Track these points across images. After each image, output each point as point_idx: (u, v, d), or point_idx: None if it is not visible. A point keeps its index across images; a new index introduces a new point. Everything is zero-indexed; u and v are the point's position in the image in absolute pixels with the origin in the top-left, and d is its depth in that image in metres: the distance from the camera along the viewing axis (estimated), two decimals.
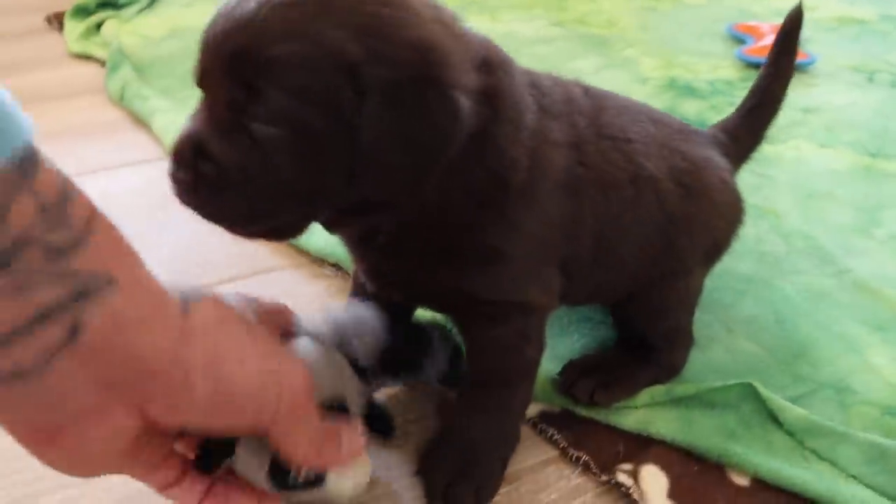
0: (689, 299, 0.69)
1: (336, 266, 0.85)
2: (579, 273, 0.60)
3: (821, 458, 0.63)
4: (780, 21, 1.57)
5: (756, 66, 1.37)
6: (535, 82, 0.55)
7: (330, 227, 0.53)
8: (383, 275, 0.58)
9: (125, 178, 1.06)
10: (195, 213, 0.47)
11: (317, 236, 0.87)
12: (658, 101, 1.25)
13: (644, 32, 1.56)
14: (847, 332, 0.76)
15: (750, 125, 0.76)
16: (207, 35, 0.45)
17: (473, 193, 0.51)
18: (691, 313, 0.70)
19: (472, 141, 0.48)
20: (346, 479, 0.51)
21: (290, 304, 0.80)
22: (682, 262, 0.66)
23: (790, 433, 0.64)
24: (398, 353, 0.60)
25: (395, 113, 0.43)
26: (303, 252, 0.88)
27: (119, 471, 0.42)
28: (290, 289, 0.84)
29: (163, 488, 0.46)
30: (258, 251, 0.89)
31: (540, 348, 0.61)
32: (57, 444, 0.36)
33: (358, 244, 0.57)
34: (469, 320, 0.59)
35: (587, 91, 0.61)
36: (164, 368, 0.36)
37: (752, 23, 1.52)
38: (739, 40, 1.48)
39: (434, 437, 0.64)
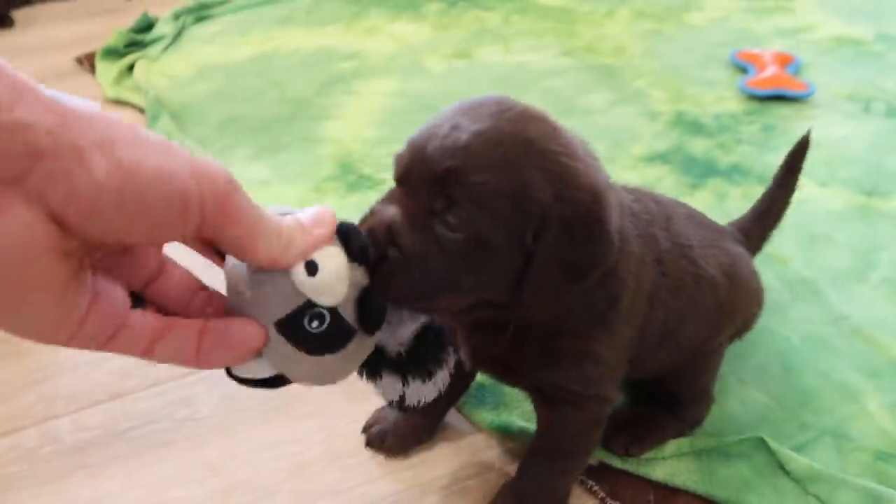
0: (715, 367, 0.81)
1: None
2: (644, 360, 0.71)
3: (822, 502, 0.73)
4: (780, 44, 1.66)
5: (758, 98, 1.46)
6: (632, 211, 0.65)
7: (465, 313, 0.60)
8: (484, 358, 0.67)
9: None
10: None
11: None
12: (667, 140, 1.34)
13: (651, 60, 1.64)
14: (845, 380, 0.86)
15: (759, 228, 0.90)
16: (417, 148, 0.54)
17: (592, 309, 0.61)
18: (715, 376, 0.82)
19: (601, 275, 0.58)
20: (333, 261, 0.46)
21: None
22: (720, 339, 0.78)
23: (796, 480, 0.75)
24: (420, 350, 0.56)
25: (568, 243, 0.53)
26: None
27: (57, 314, 0.37)
28: None
29: (146, 349, 0.42)
30: None
31: (602, 428, 0.71)
32: None
33: (473, 331, 0.65)
34: (551, 404, 0.68)
35: (655, 199, 0.71)
36: (51, 148, 0.33)
37: (754, 51, 1.60)
38: (742, 69, 1.56)
39: (497, 494, 0.74)
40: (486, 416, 0.82)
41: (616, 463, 0.77)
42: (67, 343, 0.39)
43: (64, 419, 0.85)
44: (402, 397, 0.56)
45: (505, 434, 0.81)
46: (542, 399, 0.69)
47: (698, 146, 1.32)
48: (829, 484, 0.74)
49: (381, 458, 0.80)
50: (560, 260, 0.54)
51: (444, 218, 0.52)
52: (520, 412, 0.82)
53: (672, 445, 0.78)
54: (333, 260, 0.46)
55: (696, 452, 0.77)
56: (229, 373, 0.48)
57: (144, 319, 0.42)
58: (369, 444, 0.81)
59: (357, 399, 0.86)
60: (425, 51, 1.69)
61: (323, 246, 0.46)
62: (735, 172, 1.24)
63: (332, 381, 0.50)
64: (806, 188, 1.20)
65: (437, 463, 0.79)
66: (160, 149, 0.37)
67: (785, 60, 1.55)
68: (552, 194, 0.53)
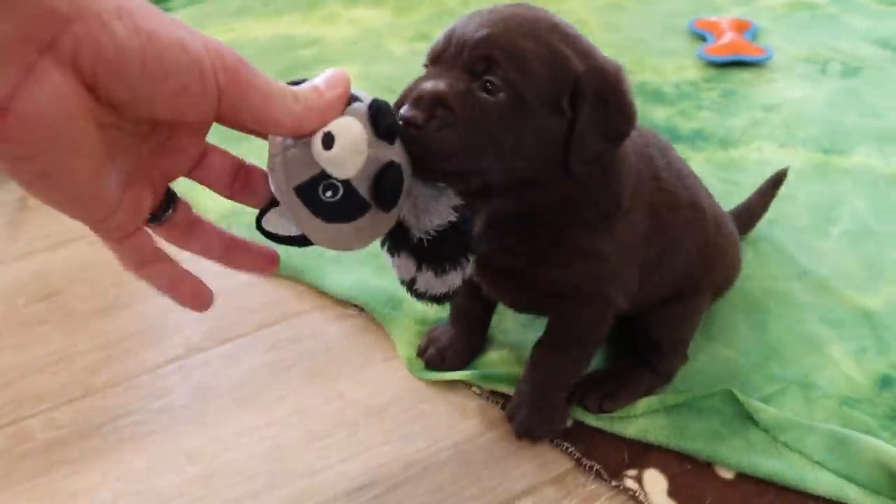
0: (697, 316, 0.84)
1: (358, 307, 0.95)
2: (642, 276, 0.74)
3: (791, 449, 0.75)
4: (737, 11, 1.68)
5: (716, 64, 1.47)
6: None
7: (490, 196, 0.63)
8: (491, 266, 0.70)
9: None
10: (412, 150, 0.53)
11: (339, 280, 0.97)
12: None
13: (611, 33, 1.64)
14: (810, 331, 0.88)
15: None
16: (452, 29, 0.59)
17: (597, 205, 0.66)
18: (694, 330, 0.84)
19: (604, 172, 0.65)
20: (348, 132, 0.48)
21: (318, 343, 0.92)
22: (704, 282, 0.82)
23: (765, 430, 0.76)
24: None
25: (604, 110, 0.59)
26: (325, 295, 0.98)
27: (101, 191, 0.41)
28: (318, 328, 0.94)
29: (179, 238, 0.50)
30: (285, 297, 0.99)
31: (608, 325, 0.75)
32: (8, 118, 0.35)
33: (489, 229, 0.68)
34: (559, 303, 0.73)
35: (655, 133, 0.78)
36: (75, 13, 0.36)
37: (712, 18, 1.61)
38: (700, 37, 1.57)
39: (515, 391, 0.80)
40: (464, 373, 0.84)
41: (590, 421, 0.78)
42: (101, 223, 0.43)
43: (35, 418, 0.84)
44: (414, 280, 0.58)
45: (489, 382, 0.83)
46: (550, 303, 0.74)
47: (660, 114, 1.33)
48: (797, 431, 0.76)
49: (358, 435, 0.80)
50: (599, 126, 0.59)
51: (486, 79, 0.56)
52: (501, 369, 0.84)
53: (643, 403, 0.79)
54: (350, 134, 0.48)
55: (668, 409, 0.79)
56: (260, 227, 0.52)
57: (147, 240, 0.48)
58: (429, 365, 0.86)
59: (331, 379, 0.87)
60: (386, 35, 1.69)
61: (343, 117, 0.48)
62: (697, 138, 1.26)
63: (349, 248, 0.52)
64: (766, 150, 1.23)
65: (415, 437, 0.80)
66: (173, 22, 0.39)
67: (742, 27, 1.57)
68: (583, 67, 0.58)
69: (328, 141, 0.47)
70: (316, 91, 0.47)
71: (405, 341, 0.89)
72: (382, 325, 0.92)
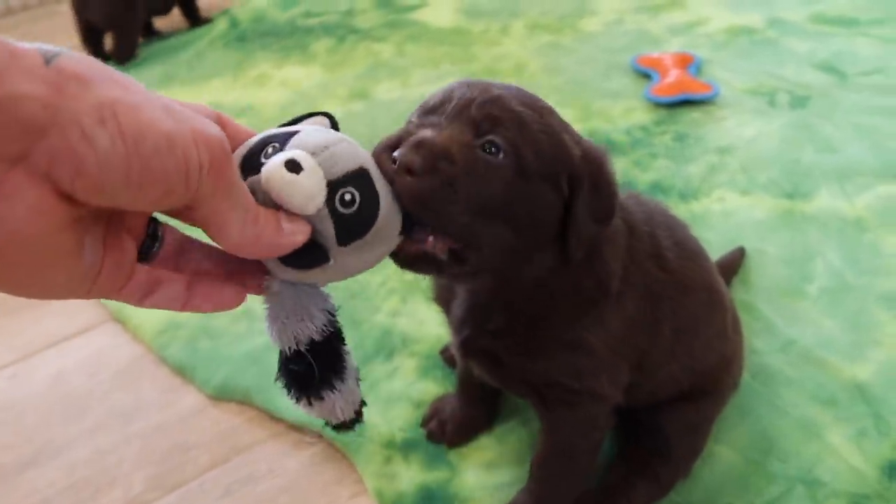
0: (712, 422, 0.78)
1: (316, 434, 0.86)
2: (655, 364, 0.69)
3: None
4: (677, 42, 1.65)
5: (665, 105, 1.43)
6: (628, 209, 0.67)
7: (479, 270, 0.57)
8: (474, 350, 0.67)
9: (76, 352, 1.02)
10: (405, 197, 0.48)
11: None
12: None
13: (554, 76, 1.59)
14: (804, 414, 0.83)
15: None
16: (453, 89, 0.56)
17: (580, 292, 0.62)
18: (706, 441, 0.78)
19: (587, 256, 0.61)
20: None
21: (276, 482, 0.82)
22: (724, 380, 0.77)
23: None
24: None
25: (596, 196, 0.58)
26: (279, 420, 0.89)
27: (73, 279, 0.38)
28: (275, 463, 0.85)
29: (141, 298, 0.44)
30: (235, 426, 0.89)
31: (604, 430, 0.71)
32: None
33: (465, 320, 0.65)
34: (546, 406, 0.69)
35: (665, 210, 0.73)
36: (51, 122, 0.32)
37: (654, 55, 1.57)
38: (645, 75, 1.53)
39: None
40: None
41: None
42: (86, 297, 0.40)
43: None
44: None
45: None
46: (537, 401, 0.69)
47: (615, 166, 1.27)
48: None
49: None
50: (591, 209, 0.58)
51: (489, 139, 0.53)
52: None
53: None
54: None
55: None
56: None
57: (141, 276, 0.44)
58: (430, 437, 0.83)
59: None
60: (319, 96, 1.60)
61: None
62: (656, 191, 1.20)
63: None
64: (728, 199, 1.18)
65: None
66: (161, 109, 0.36)
67: (685, 61, 1.53)
68: (579, 152, 0.57)
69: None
70: (276, 225, 0.42)
71: (372, 472, 0.81)
72: (346, 454, 0.83)
